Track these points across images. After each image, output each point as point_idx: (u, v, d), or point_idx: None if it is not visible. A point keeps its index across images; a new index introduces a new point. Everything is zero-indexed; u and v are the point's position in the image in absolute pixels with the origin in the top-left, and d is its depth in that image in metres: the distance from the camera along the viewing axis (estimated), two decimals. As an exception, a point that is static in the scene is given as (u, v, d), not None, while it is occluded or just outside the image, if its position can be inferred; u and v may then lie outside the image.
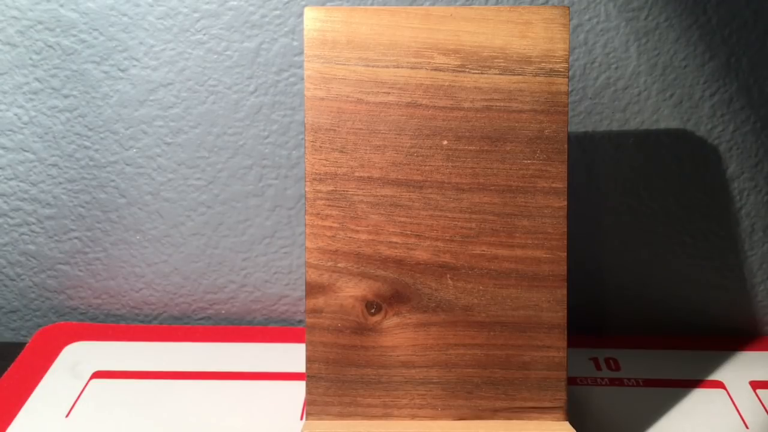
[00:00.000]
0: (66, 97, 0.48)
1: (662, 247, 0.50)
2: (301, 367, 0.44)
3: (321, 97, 0.36)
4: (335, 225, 0.36)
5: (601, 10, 0.46)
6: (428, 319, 0.37)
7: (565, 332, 0.37)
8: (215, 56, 0.47)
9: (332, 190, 0.36)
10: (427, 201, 0.36)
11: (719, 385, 0.45)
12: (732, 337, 0.51)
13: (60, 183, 0.51)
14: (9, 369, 0.46)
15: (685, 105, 0.48)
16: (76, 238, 0.52)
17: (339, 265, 0.36)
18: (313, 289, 0.37)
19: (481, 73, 0.36)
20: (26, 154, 0.50)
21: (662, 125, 0.48)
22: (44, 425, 0.41)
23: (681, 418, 0.42)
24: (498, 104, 0.36)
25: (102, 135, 0.49)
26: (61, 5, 0.46)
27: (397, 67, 0.36)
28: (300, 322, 0.54)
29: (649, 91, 0.47)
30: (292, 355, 0.48)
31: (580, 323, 0.50)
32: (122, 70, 0.47)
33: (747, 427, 0.41)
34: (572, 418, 0.37)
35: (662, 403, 0.43)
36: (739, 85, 0.47)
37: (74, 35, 0.47)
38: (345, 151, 0.36)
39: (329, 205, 0.36)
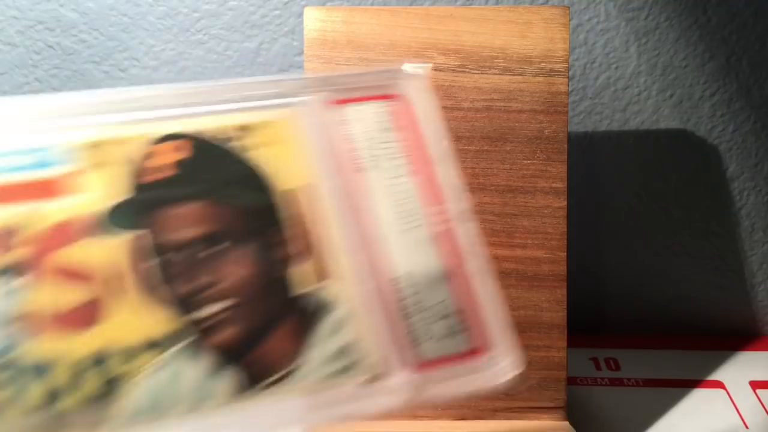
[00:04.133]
0: (66, 97, 0.48)
1: (662, 247, 0.50)
2: (301, 367, 0.44)
3: (321, 97, 0.36)
4: (335, 225, 0.36)
5: (601, 10, 0.46)
6: (428, 319, 0.37)
7: (565, 332, 0.37)
8: (215, 56, 0.47)
9: (332, 190, 0.36)
10: (427, 201, 0.36)
11: (719, 385, 0.45)
12: (732, 337, 0.51)
13: (60, 183, 0.50)
14: (9, 369, 0.46)
15: (685, 105, 0.48)
16: (76, 238, 0.52)
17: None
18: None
19: (481, 73, 0.36)
20: (26, 154, 0.50)
21: (662, 125, 0.48)
22: (44, 425, 0.41)
23: (681, 418, 0.42)
24: (498, 104, 0.36)
25: (102, 135, 0.49)
26: (61, 5, 0.46)
27: (397, 67, 0.36)
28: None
29: (649, 91, 0.47)
30: (292, 355, 0.48)
31: (580, 323, 0.50)
32: (122, 70, 0.47)
33: (747, 427, 0.41)
34: (572, 418, 0.37)
35: (662, 403, 0.43)
36: (739, 85, 0.47)
37: (74, 35, 0.47)
38: (345, 151, 0.36)
39: (329, 205, 0.36)
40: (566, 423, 0.37)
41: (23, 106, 0.22)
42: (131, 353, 0.21)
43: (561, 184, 0.36)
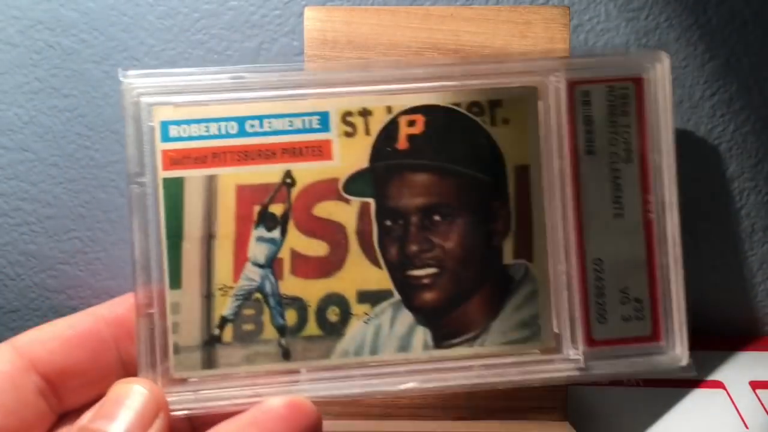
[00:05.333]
0: (66, 96, 0.48)
1: (662, 247, 0.50)
2: (301, 367, 0.44)
3: (321, 97, 0.36)
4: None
5: (601, 10, 0.46)
6: (428, 319, 0.37)
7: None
8: (215, 56, 0.47)
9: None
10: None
11: (719, 385, 0.45)
12: (732, 337, 0.51)
13: (60, 183, 0.51)
14: (9, 369, 0.46)
15: (685, 105, 0.48)
16: (76, 237, 0.52)
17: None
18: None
19: (482, 73, 0.36)
20: (26, 153, 0.50)
21: (662, 125, 0.48)
22: (44, 425, 0.41)
23: (681, 418, 0.42)
24: (498, 104, 0.36)
25: (102, 135, 0.49)
26: (61, 5, 0.46)
27: (397, 67, 0.36)
28: (300, 322, 0.54)
29: (649, 91, 0.47)
30: (292, 355, 0.48)
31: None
32: (123, 70, 0.47)
33: (747, 427, 0.41)
34: (572, 418, 0.37)
35: (662, 403, 0.43)
36: (739, 85, 0.47)
37: (74, 35, 0.47)
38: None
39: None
40: (566, 423, 0.37)
41: (293, 74, 0.26)
42: (356, 300, 0.26)
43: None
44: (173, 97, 0.25)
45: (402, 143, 0.26)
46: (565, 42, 0.35)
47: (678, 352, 0.26)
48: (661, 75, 0.27)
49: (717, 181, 0.49)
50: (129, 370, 0.25)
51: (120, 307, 0.26)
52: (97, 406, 0.23)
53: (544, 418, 0.37)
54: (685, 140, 0.48)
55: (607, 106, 0.26)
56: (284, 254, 0.25)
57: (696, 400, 0.43)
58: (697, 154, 0.48)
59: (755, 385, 0.45)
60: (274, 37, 0.47)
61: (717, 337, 0.51)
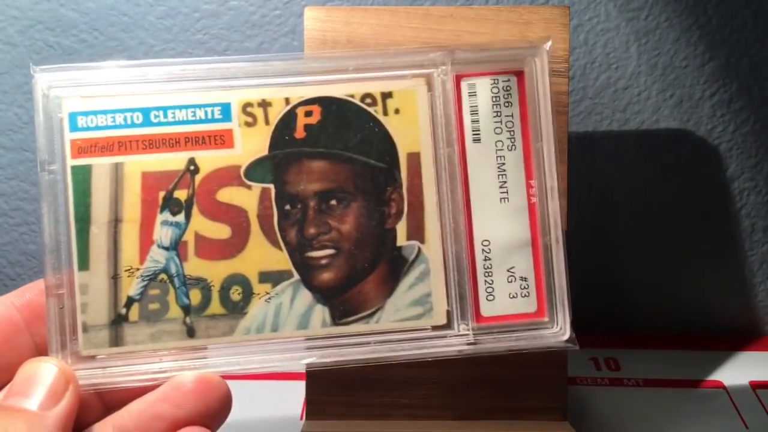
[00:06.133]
0: (66, 97, 0.48)
1: (662, 247, 0.50)
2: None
3: (321, 97, 0.36)
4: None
5: (601, 10, 0.46)
6: (428, 319, 0.37)
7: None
8: (215, 56, 0.47)
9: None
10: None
11: (719, 385, 0.45)
12: (732, 337, 0.51)
13: (60, 183, 0.51)
14: (9, 369, 0.46)
15: (685, 105, 0.48)
16: (76, 238, 0.52)
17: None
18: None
19: (482, 73, 0.36)
20: (26, 153, 0.50)
21: (662, 125, 0.48)
22: (44, 425, 0.41)
23: (681, 418, 0.42)
24: (498, 104, 0.36)
25: (102, 135, 0.49)
26: (61, 5, 0.46)
27: (398, 67, 0.36)
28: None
29: (649, 91, 0.47)
30: (292, 355, 0.48)
31: (580, 323, 0.50)
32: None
33: (747, 427, 0.41)
34: (572, 418, 0.37)
35: (662, 403, 0.43)
36: (739, 85, 0.47)
37: (74, 35, 0.47)
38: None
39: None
40: (566, 423, 0.37)
41: (203, 66, 0.27)
42: (258, 280, 0.27)
43: (561, 184, 0.36)
44: (81, 90, 0.27)
45: (299, 132, 0.27)
46: (565, 42, 0.35)
47: (560, 326, 0.28)
48: (540, 68, 0.28)
49: (717, 181, 0.49)
50: (42, 352, 0.26)
51: (30, 293, 0.27)
52: (9, 385, 0.24)
53: (544, 418, 0.37)
54: (685, 140, 0.48)
55: (492, 98, 0.28)
56: (189, 237, 0.27)
57: (696, 400, 0.43)
58: (697, 154, 0.48)
59: (755, 385, 0.45)
60: (274, 37, 0.47)
61: (717, 337, 0.51)
